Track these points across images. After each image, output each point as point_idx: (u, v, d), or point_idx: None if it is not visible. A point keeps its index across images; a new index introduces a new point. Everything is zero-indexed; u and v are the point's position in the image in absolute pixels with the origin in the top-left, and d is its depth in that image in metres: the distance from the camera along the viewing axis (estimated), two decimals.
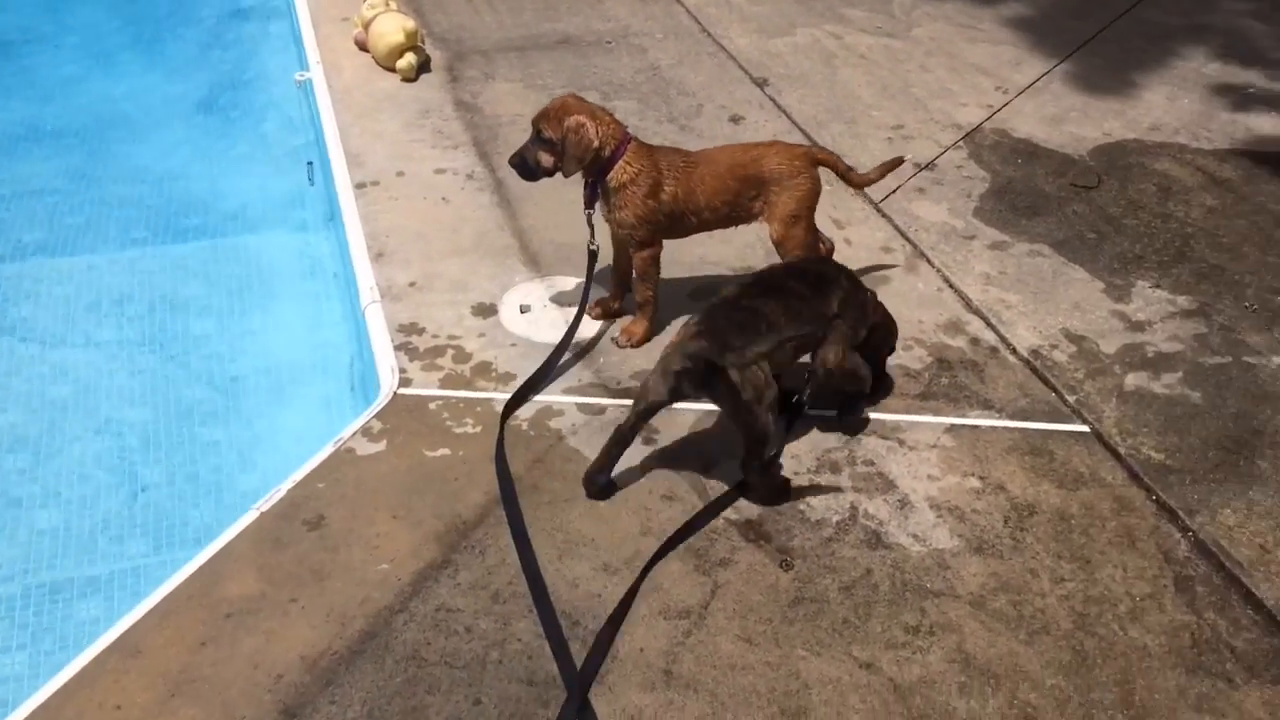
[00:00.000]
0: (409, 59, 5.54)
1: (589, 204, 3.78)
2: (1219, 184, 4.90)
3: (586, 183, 3.74)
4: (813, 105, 5.47)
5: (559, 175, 3.70)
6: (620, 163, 3.63)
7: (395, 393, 3.65)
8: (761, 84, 5.65)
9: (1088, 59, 5.94)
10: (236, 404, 4.33)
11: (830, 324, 3.34)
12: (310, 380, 4.42)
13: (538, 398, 3.68)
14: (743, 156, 3.78)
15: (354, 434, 3.48)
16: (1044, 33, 6.22)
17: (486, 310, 4.08)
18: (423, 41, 5.73)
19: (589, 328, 3.99)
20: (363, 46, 5.78)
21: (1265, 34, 6.28)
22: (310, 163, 5.35)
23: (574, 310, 3.96)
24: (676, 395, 3.18)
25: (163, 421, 4.22)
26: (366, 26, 5.70)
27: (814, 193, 3.78)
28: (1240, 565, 3.19)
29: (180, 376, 4.44)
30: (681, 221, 3.77)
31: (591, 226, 3.83)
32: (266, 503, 3.22)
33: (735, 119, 5.33)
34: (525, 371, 3.75)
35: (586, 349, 3.91)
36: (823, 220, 4.40)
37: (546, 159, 3.65)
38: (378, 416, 3.56)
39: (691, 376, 3.10)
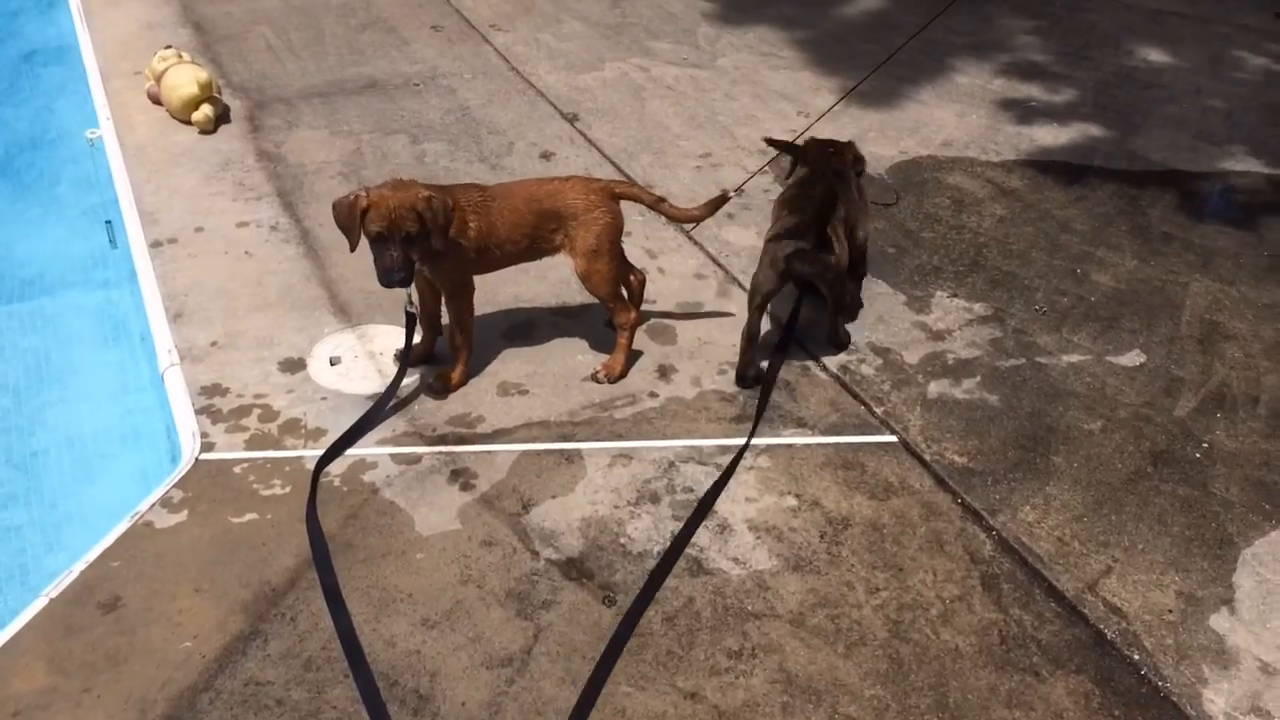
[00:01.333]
0: (205, 111, 5.36)
1: None
2: (1007, 194, 5.15)
3: None
4: (623, 138, 5.52)
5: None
6: None
7: (197, 459, 3.51)
8: (571, 119, 5.68)
9: (883, 81, 6.18)
10: (39, 483, 4.09)
11: (859, 206, 4.14)
12: (121, 452, 4.20)
13: (350, 451, 3.58)
14: (538, 190, 3.77)
15: (152, 506, 3.32)
16: (840, 58, 6.45)
17: (294, 365, 3.96)
18: (219, 92, 5.55)
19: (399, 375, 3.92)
20: (156, 100, 5.57)
21: (1042, 49, 6.66)
22: (109, 222, 5.11)
23: (387, 358, 3.90)
24: (786, 279, 3.83)
25: None
26: (158, 79, 5.49)
27: (613, 226, 3.78)
28: (1041, 560, 3.33)
29: None
30: (486, 255, 3.74)
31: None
32: (55, 588, 3.03)
33: (546, 155, 5.34)
34: (337, 425, 3.65)
35: (399, 397, 3.84)
36: (636, 251, 4.45)
37: (416, 251, 3.50)
38: (178, 485, 3.41)
39: (802, 257, 3.74)
